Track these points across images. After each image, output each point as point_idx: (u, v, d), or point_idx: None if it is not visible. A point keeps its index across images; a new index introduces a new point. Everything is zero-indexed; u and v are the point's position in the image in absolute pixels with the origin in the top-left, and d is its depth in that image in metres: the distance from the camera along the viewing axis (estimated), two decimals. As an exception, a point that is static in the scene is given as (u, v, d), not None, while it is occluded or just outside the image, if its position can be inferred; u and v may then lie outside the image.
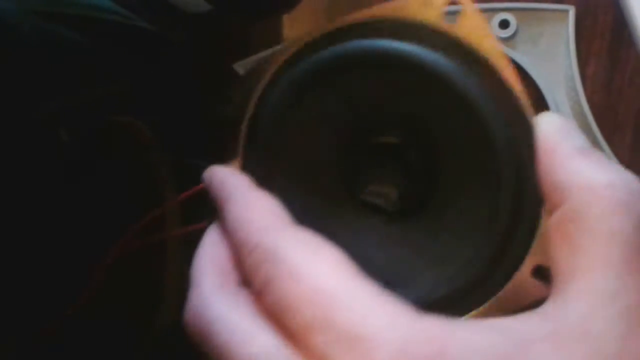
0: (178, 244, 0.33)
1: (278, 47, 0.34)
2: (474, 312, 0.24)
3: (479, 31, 0.24)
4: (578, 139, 0.21)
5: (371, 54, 0.25)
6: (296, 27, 0.36)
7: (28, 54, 0.23)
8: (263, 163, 0.26)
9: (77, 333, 0.28)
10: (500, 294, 0.24)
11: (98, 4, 0.27)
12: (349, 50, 0.26)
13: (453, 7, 0.25)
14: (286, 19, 0.36)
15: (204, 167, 0.32)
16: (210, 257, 0.24)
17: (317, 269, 0.20)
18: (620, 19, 0.33)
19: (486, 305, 0.24)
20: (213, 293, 0.22)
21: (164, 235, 0.28)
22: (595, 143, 0.32)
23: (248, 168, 0.26)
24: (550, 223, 0.20)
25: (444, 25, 0.24)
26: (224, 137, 0.35)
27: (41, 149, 0.25)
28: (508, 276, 0.24)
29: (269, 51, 0.34)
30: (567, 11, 0.33)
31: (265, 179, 0.26)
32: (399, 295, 0.19)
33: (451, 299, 0.24)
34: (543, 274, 0.23)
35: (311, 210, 0.26)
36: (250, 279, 0.21)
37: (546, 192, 0.21)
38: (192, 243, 0.30)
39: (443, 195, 0.27)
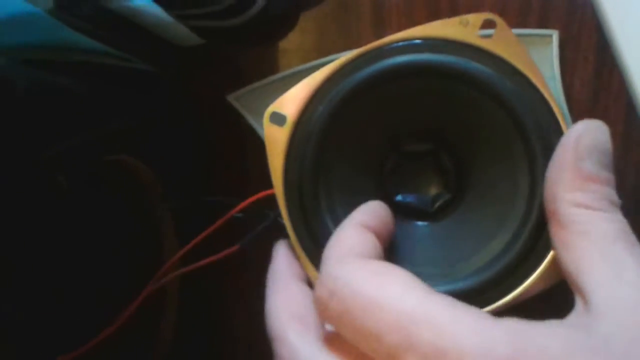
0: (176, 282, 0.33)
1: (274, 77, 0.34)
2: (500, 302, 0.26)
3: (511, 45, 0.27)
4: (590, 160, 0.23)
5: (414, 66, 0.27)
6: (288, 57, 0.36)
7: (23, 107, 0.23)
8: (309, 174, 0.28)
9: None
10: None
11: (93, 48, 0.27)
12: (391, 66, 0.27)
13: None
14: (278, 49, 0.37)
15: (203, 204, 0.32)
16: (285, 306, 0.25)
17: (392, 294, 0.20)
18: (604, 41, 0.34)
19: (513, 295, 0.26)
20: (302, 344, 0.23)
21: (163, 276, 0.29)
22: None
23: (290, 177, 0.28)
24: (556, 238, 0.23)
25: (481, 40, 0.27)
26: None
27: (40, 195, 0.26)
28: (533, 269, 0.26)
29: (262, 82, 0.34)
30: (550, 35, 0.33)
31: (309, 187, 0.27)
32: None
33: (481, 289, 0.26)
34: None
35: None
36: (325, 309, 0.21)
37: (545, 199, 0.23)
38: (188, 277, 0.31)
39: (474, 196, 0.29)
